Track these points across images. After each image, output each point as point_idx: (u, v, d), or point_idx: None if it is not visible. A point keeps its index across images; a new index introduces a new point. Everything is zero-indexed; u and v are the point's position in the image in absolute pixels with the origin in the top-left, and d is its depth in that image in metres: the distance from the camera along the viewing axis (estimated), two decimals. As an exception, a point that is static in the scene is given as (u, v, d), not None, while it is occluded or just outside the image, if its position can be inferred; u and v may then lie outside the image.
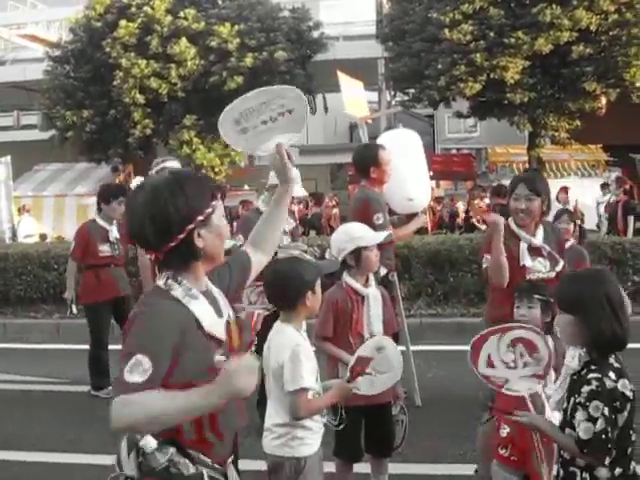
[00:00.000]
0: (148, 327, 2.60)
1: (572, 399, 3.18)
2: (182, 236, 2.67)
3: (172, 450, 2.66)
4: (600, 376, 3.11)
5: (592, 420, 3.07)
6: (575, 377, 3.26)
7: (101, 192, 8.59)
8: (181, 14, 22.52)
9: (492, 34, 18.79)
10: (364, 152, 7.09)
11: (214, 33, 21.95)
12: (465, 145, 31.96)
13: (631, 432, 3.17)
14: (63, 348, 10.54)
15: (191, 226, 2.68)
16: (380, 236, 5.15)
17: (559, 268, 5.25)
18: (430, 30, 19.68)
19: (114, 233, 8.26)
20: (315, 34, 23.58)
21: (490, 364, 3.75)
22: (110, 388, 8.10)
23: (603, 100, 19.56)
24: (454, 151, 30.79)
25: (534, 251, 5.27)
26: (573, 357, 3.37)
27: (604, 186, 20.09)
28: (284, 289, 3.91)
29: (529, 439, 3.87)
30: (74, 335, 10.82)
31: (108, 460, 5.96)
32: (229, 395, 2.42)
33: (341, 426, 4.09)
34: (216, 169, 22.99)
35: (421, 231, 9.34)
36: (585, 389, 3.11)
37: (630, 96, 19.28)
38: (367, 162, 6.89)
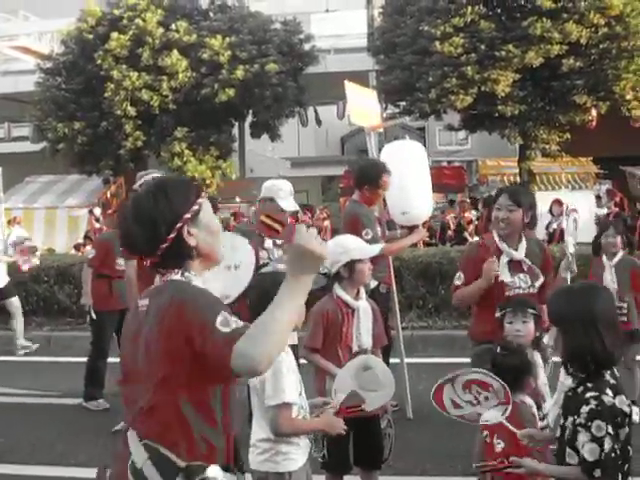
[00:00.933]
0: (207, 295, 2.65)
1: (570, 418, 3.12)
2: (172, 235, 2.69)
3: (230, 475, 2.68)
4: (598, 394, 3.07)
5: (597, 440, 3.01)
6: (570, 394, 3.22)
7: None
8: (172, 26, 22.56)
9: (483, 47, 18.84)
10: (369, 168, 7.08)
11: (205, 45, 21.98)
12: (456, 158, 31.97)
13: (629, 448, 3.13)
14: (54, 360, 10.50)
15: (179, 224, 2.70)
16: (375, 249, 5.17)
17: (539, 283, 5.23)
18: (421, 43, 19.73)
19: None
20: (306, 47, 23.64)
21: (457, 406, 3.83)
22: (101, 401, 8.12)
23: (593, 113, 19.62)
24: (445, 164, 30.78)
25: (515, 266, 5.25)
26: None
27: (599, 198, 20.16)
28: (266, 305, 3.81)
29: (523, 454, 3.85)
30: (65, 347, 10.80)
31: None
32: (308, 266, 2.49)
33: (324, 459, 4.07)
34: (207, 181, 22.97)
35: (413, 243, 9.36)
36: (584, 409, 3.06)
37: (620, 109, 19.34)
38: (366, 179, 6.92)
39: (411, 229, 7.35)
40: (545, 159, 22.08)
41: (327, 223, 19.77)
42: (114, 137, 22.73)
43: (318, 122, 26.06)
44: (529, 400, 4.10)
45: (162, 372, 2.59)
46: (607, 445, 3.01)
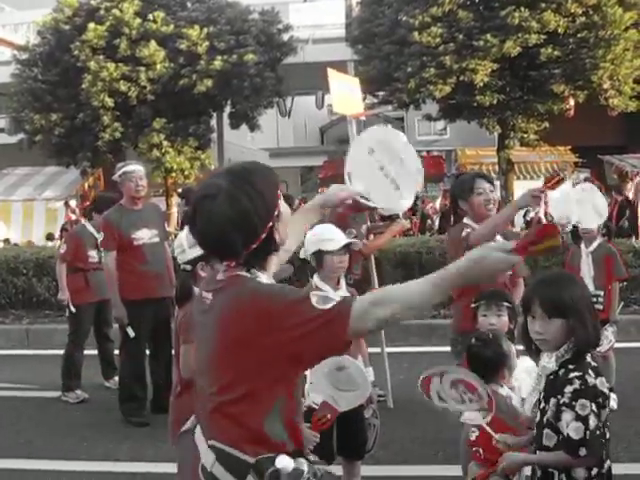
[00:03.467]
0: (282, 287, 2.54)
1: (553, 400, 3.14)
2: (264, 235, 2.53)
3: (302, 460, 2.54)
4: (582, 374, 3.09)
5: (581, 419, 3.02)
6: (552, 377, 3.22)
7: (98, 203, 8.69)
8: (150, 17, 22.40)
9: (461, 37, 18.87)
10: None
11: (183, 36, 21.87)
12: (435, 147, 32.07)
13: (606, 430, 3.16)
14: (32, 354, 10.45)
15: (270, 223, 2.54)
16: (341, 242, 5.02)
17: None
18: (400, 33, 19.74)
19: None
20: (285, 37, 23.57)
21: (441, 399, 3.76)
22: (79, 392, 8.11)
23: (571, 102, 19.70)
24: (424, 153, 30.85)
25: None
26: (550, 357, 3.35)
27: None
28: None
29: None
30: (43, 341, 10.74)
31: (75, 466, 5.90)
32: (484, 277, 2.49)
33: None
34: (186, 172, 22.89)
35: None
36: (568, 389, 3.07)
37: (598, 98, 19.45)
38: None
39: (391, 219, 7.34)
40: (524, 148, 22.16)
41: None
42: (91, 129, 22.57)
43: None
44: (506, 390, 4.10)
45: (229, 374, 2.48)
46: (592, 423, 3.03)
